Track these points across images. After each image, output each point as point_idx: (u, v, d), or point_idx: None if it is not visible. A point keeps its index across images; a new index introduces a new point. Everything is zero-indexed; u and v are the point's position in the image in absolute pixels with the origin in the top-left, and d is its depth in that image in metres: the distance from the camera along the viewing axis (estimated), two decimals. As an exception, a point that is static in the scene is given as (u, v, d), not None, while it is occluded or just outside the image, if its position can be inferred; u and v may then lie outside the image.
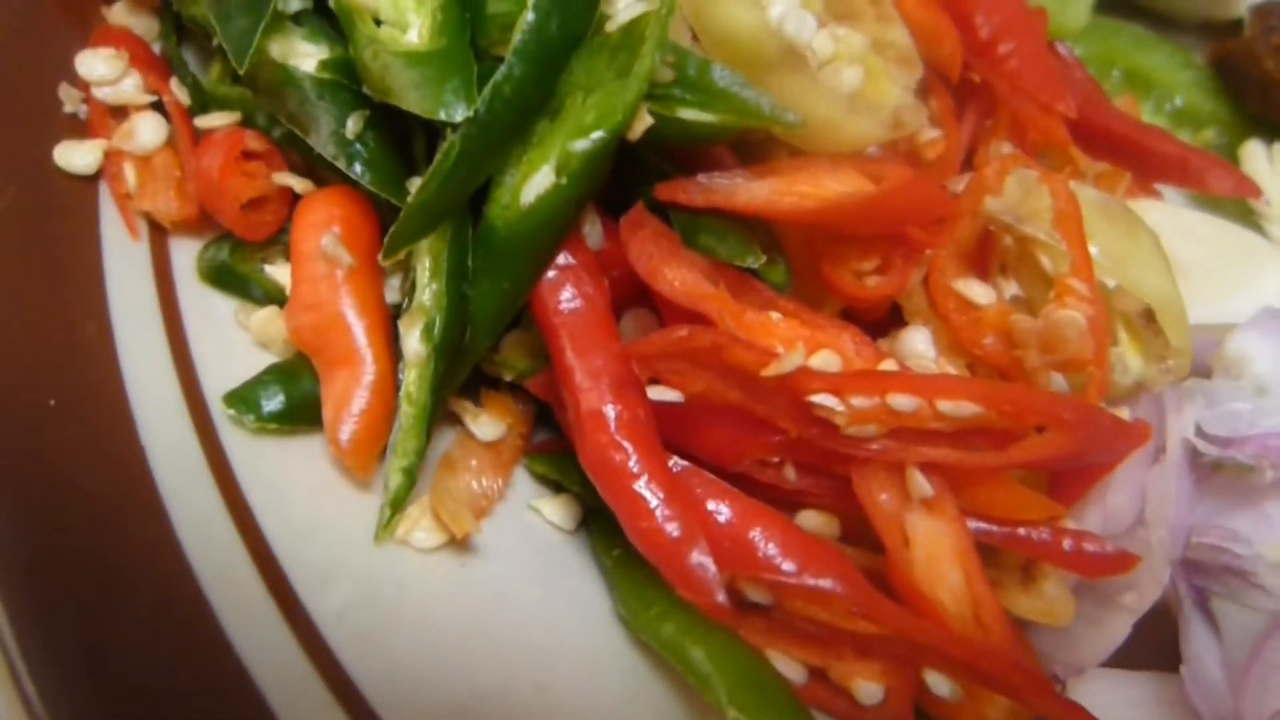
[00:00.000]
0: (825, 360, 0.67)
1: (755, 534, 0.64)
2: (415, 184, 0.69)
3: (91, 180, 0.73)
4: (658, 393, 0.68)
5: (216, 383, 0.68)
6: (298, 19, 0.74)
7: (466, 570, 0.67)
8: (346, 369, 0.66)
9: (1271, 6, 1.03)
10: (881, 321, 0.76)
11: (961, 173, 0.82)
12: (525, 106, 0.65)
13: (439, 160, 0.63)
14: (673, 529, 0.62)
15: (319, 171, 0.74)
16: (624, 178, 0.70)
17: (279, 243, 0.74)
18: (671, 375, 0.66)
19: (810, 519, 0.70)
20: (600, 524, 0.71)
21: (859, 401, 0.64)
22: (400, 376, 0.67)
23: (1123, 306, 0.74)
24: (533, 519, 0.73)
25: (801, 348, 0.64)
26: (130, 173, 0.72)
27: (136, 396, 0.64)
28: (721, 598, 0.61)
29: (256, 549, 0.63)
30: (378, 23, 0.69)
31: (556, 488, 0.74)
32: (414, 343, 0.65)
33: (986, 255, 0.76)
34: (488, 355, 0.71)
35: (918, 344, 0.73)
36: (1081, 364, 0.69)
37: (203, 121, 0.74)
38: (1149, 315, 0.73)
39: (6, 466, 0.59)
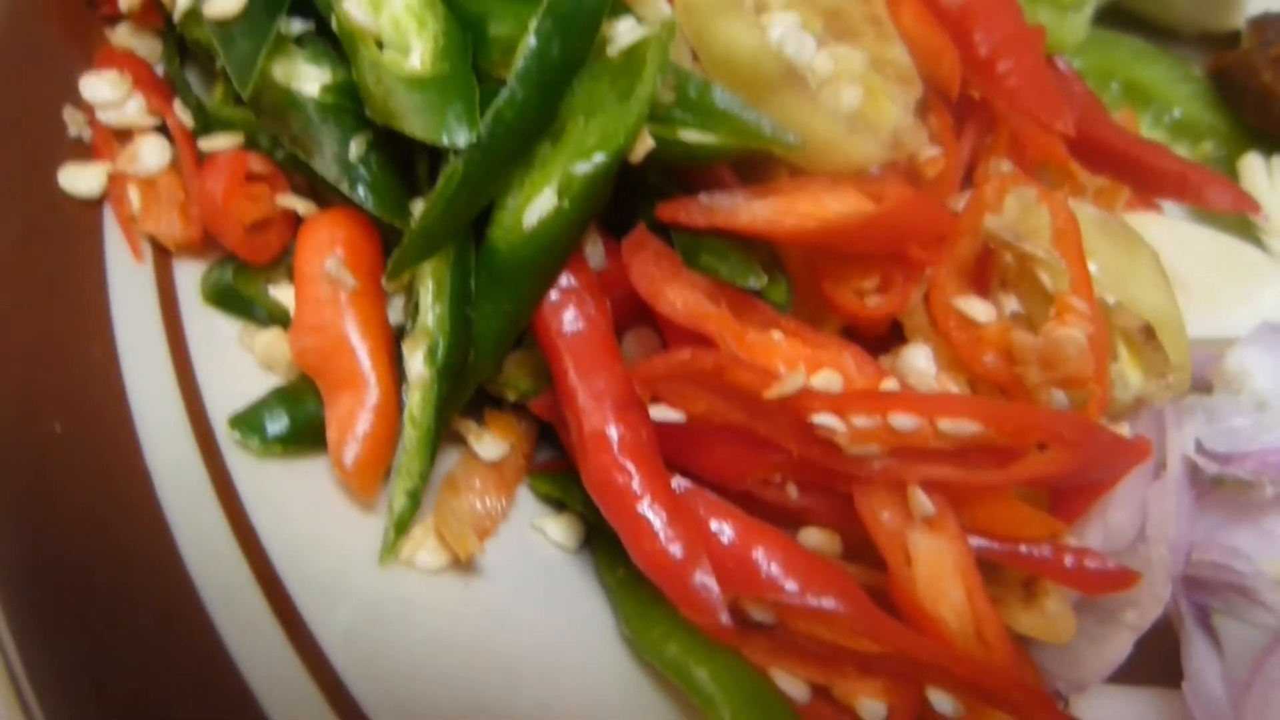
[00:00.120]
0: (827, 379, 0.67)
1: (758, 554, 0.65)
2: (418, 206, 0.70)
3: (96, 203, 0.73)
4: (660, 412, 0.68)
5: (221, 404, 0.68)
6: (300, 41, 0.74)
7: (470, 590, 0.67)
8: (351, 391, 0.67)
9: (1269, 19, 1.03)
10: (883, 338, 0.77)
11: (962, 189, 0.82)
12: (527, 130, 0.65)
13: (442, 185, 0.64)
14: (676, 550, 0.63)
15: (322, 192, 0.74)
16: (625, 197, 0.71)
17: (283, 264, 0.74)
18: (674, 396, 0.66)
19: (812, 536, 0.70)
20: (604, 543, 0.71)
21: (860, 421, 0.64)
22: (404, 398, 0.68)
23: (1122, 323, 0.74)
24: (536, 538, 0.73)
25: (803, 369, 0.64)
26: (134, 195, 0.73)
27: (142, 420, 0.65)
28: (725, 618, 0.62)
29: (261, 570, 0.63)
30: (380, 46, 0.69)
31: (559, 507, 0.74)
32: (418, 365, 0.66)
33: (986, 271, 0.77)
34: (491, 375, 0.71)
35: (919, 361, 0.74)
36: (1082, 381, 0.70)
37: (206, 144, 0.74)
38: (1149, 331, 0.74)
39: (14, 493, 0.59)
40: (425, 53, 0.67)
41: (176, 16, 0.77)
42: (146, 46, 0.81)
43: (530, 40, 0.65)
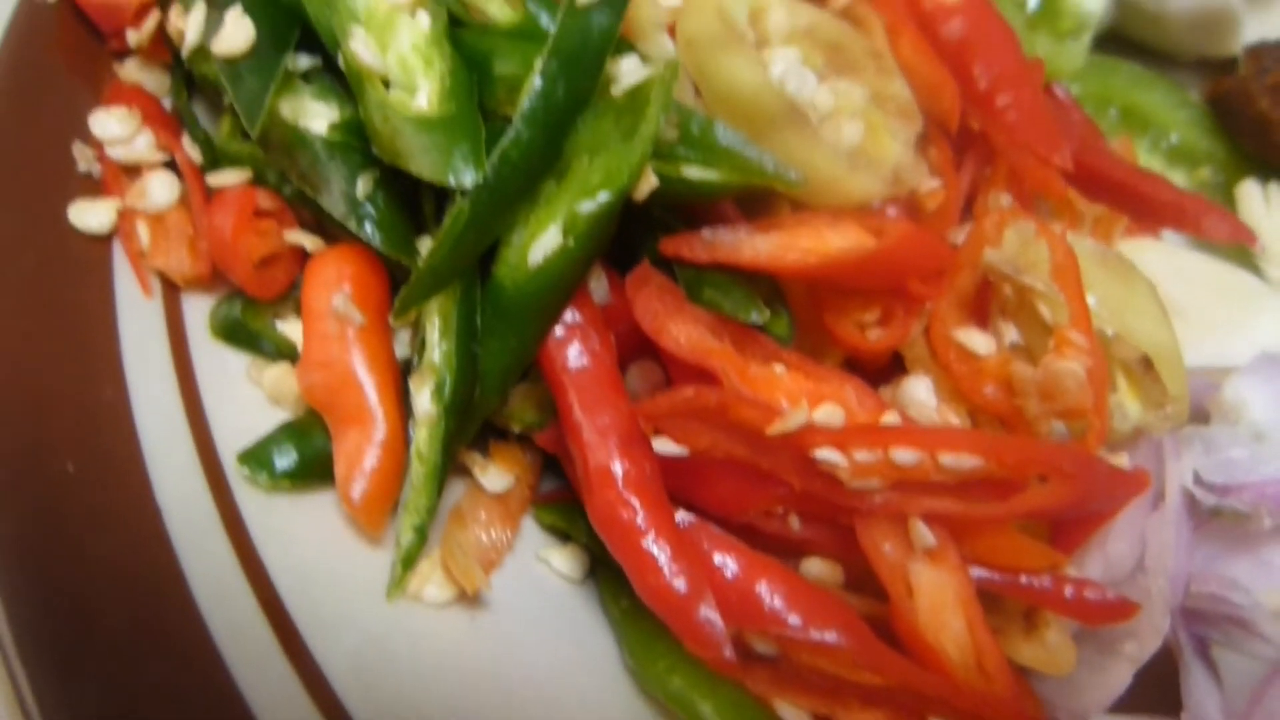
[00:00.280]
0: (829, 413, 0.68)
1: (761, 588, 0.65)
2: (424, 243, 0.71)
3: (106, 239, 0.74)
4: (662, 445, 0.69)
5: (229, 439, 0.69)
6: (306, 76, 0.75)
7: (476, 623, 0.68)
8: (358, 427, 0.67)
9: (1266, 48, 1.04)
10: (883, 368, 0.77)
11: (961, 219, 0.83)
12: (533, 170, 0.66)
13: (449, 225, 0.64)
14: (680, 584, 0.63)
15: (328, 227, 0.75)
16: (629, 231, 0.71)
17: (290, 298, 0.75)
18: (678, 432, 0.67)
19: (815, 566, 0.71)
20: (608, 575, 0.72)
21: (862, 456, 0.65)
22: (410, 433, 0.68)
23: (1121, 354, 0.75)
24: (541, 569, 0.73)
25: (805, 405, 0.65)
26: (143, 231, 0.73)
27: (152, 457, 0.65)
28: (729, 653, 0.63)
29: (269, 604, 0.64)
30: (386, 85, 0.70)
31: (564, 537, 0.75)
32: (425, 402, 0.66)
33: (986, 301, 0.78)
34: (496, 408, 0.72)
35: (919, 393, 0.74)
36: (1081, 413, 0.71)
37: (214, 179, 0.75)
38: (1147, 363, 0.74)
39: (29, 532, 0.60)
40: (432, 93, 0.68)
41: (185, 52, 0.78)
42: (154, 81, 0.82)
43: (535, 81, 0.66)
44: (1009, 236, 0.73)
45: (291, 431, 0.69)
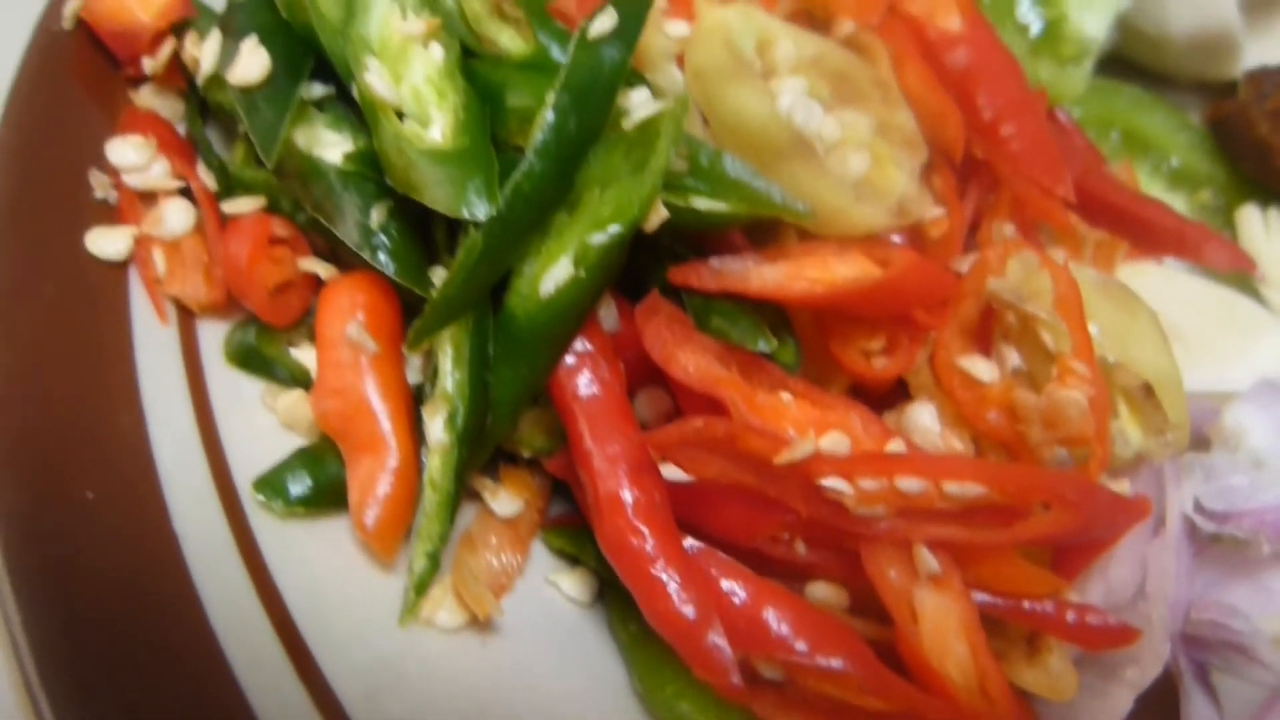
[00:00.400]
0: (834, 441, 0.69)
1: (769, 614, 0.66)
2: (437, 271, 0.72)
3: (122, 266, 0.75)
4: (670, 471, 0.70)
5: (244, 466, 0.69)
6: (320, 105, 0.76)
7: (488, 648, 0.69)
8: (371, 454, 0.68)
9: (1265, 73, 1.05)
10: (888, 393, 0.78)
11: (965, 245, 0.84)
12: (545, 202, 0.67)
13: (462, 257, 0.66)
14: (689, 611, 0.64)
15: (342, 254, 0.76)
16: (638, 259, 0.72)
17: (304, 325, 0.76)
18: (686, 461, 0.68)
19: (820, 590, 0.72)
20: (616, 599, 0.73)
21: (868, 484, 0.66)
22: (423, 460, 0.69)
23: (1122, 381, 0.76)
24: (550, 592, 0.74)
25: (812, 435, 0.66)
26: (159, 258, 0.74)
27: (169, 483, 0.66)
28: (737, 679, 0.63)
29: (284, 630, 0.64)
30: (400, 116, 0.71)
31: (573, 561, 0.76)
32: (438, 431, 0.67)
33: (989, 327, 0.79)
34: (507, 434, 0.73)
35: (923, 419, 0.75)
36: (1083, 441, 0.71)
37: (229, 207, 0.76)
38: (1148, 390, 0.75)
39: (50, 559, 0.61)
40: (446, 125, 0.69)
41: (200, 80, 0.79)
42: (169, 107, 0.83)
43: (548, 114, 0.67)
44: (1012, 266, 0.74)
45: (305, 458, 0.70)
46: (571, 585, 0.75)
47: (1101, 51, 1.08)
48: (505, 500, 0.74)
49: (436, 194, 0.66)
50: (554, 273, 0.67)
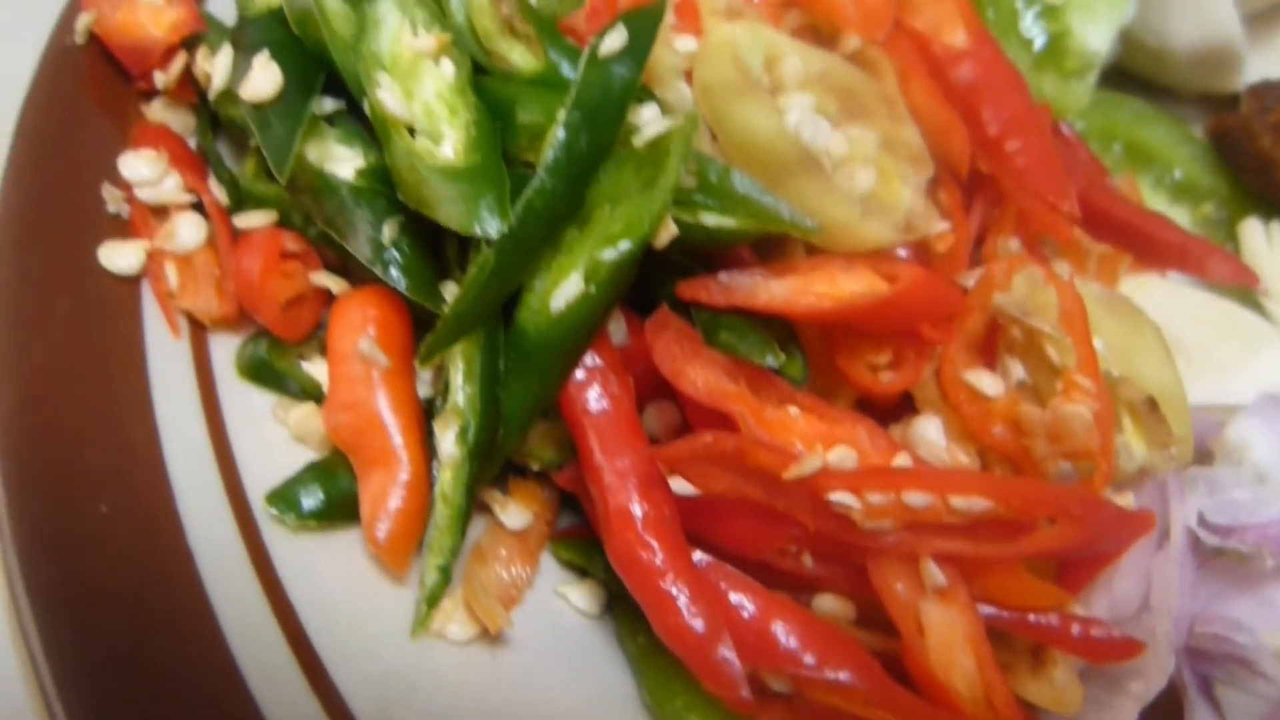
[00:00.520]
0: (842, 456, 0.69)
1: (777, 628, 0.67)
2: (448, 286, 0.72)
3: (134, 280, 0.75)
4: (678, 484, 0.70)
5: (257, 478, 0.70)
6: (331, 119, 0.77)
7: (497, 660, 0.69)
8: (383, 468, 0.69)
9: (1267, 86, 1.06)
10: (894, 406, 0.79)
11: (970, 259, 0.85)
12: (556, 219, 0.68)
13: (474, 273, 0.66)
14: (699, 625, 0.65)
15: (352, 267, 0.77)
16: (648, 273, 0.73)
17: (315, 338, 0.76)
18: (695, 475, 0.68)
19: (827, 602, 0.72)
20: (624, 611, 0.73)
21: (875, 499, 0.67)
22: (434, 473, 0.70)
23: (1127, 395, 0.77)
24: (559, 604, 0.75)
25: (820, 450, 0.66)
26: (172, 272, 0.75)
27: (182, 497, 0.67)
28: (746, 692, 0.64)
29: (297, 643, 0.65)
30: (412, 132, 0.71)
31: (581, 573, 0.77)
32: (449, 445, 0.68)
33: (994, 340, 0.79)
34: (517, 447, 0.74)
35: (929, 433, 0.76)
36: (1088, 455, 0.72)
37: (241, 221, 0.76)
38: (1152, 404, 0.76)
39: (66, 574, 0.61)
40: (458, 142, 0.70)
41: (211, 95, 0.80)
42: (180, 120, 0.83)
43: (559, 132, 0.67)
44: (1018, 282, 0.75)
45: (317, 472, 0.71)
46: (580, 597, 0.75)
47: (1105, 64, 1.09)
48: (515, 513, 0.74)
49: (449, 211, 0.67)
50: (565, 288, 0.68)
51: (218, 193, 0.79)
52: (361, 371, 0.70)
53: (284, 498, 0.69)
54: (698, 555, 0.69)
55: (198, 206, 0.79)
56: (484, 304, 0.68)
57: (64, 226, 0.75)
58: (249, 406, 0.74)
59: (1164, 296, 0.92)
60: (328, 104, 0.77)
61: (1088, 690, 0.70)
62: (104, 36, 0.82)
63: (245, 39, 0.78)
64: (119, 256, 0.75)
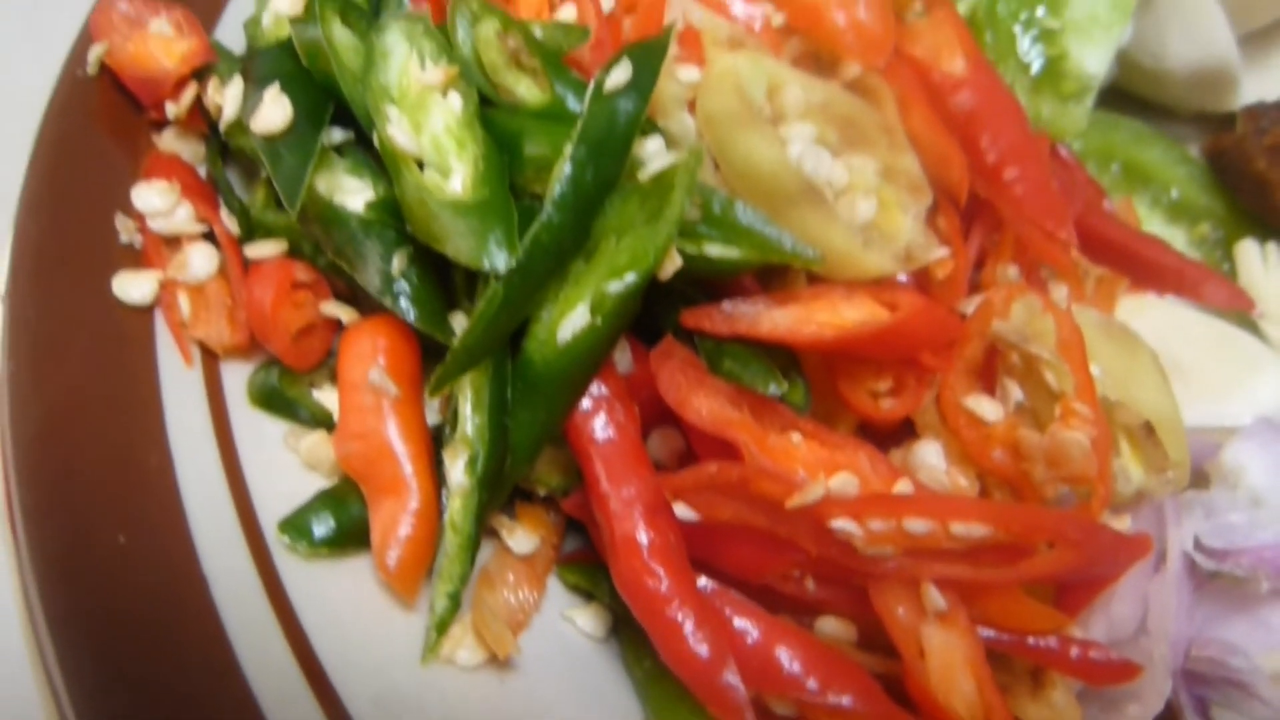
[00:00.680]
0: (844, 482, 0.70)
1: (781, 652, 0.68)
2: (457, 317, 0.73)
3: (148, 310, 0.76)
4: (682, 510, 0.71)
5: (269, 506, 0.71)
6: (340, 150, 0.78)
7: (506, 685, 0.71)
8: (393, 496, 0.70)
9: (1262, 108, 1.07)
10: (895, 431, 0.80)
11: (970, 280, 0.86)
12: (563, 252, 0.69)
13: (482, 306, 0.67)
14: (704, 650, 0.66)
15: (361, 296, 0.78)
16: (652, 302, 0.74)
17: (325, 366, 0.78)
18: (700, 503, 0.69)
19: (829, 625, 0.74)
20: (630, 635, 0.75)
21: (876, 525, 0.68)
22: (443, 501, 0.71)
23: (1124, 420, 0.78)
24: (566, 627, 0.76)
25: (823, 479, 0.67)
26: (184, 302, 0.76)
27: (197, 525, 0.68)
28: (750, 717, 0.65)
29: (310, 670, 0.66)
30: (420, 165, 0.73)
31: (587, 596, 0.78)
32: (458, 474, 0.69)
33: (993, 364, 0.80)
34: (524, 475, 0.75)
35: (930, 457, 0.77)
36: (1086, 479, 0.73)
37: (252, 251, 0.78)
38: (1149, 429, 0.77)
39: (86, 604, 0.62)
40: (466, 176, 0.71)
41: (222, 126, 0.81)
42: (191, 149, 0.85)
43: (566, 167, 0.68)
44: (1016, 309, 0.76)
45: (329, 500, 0.72)
46: (586, 621, 0.76)
47: (1102, 85, 1.10)
48: (522, 538, 0.76)
49: (459, 245, 0.68)
50: (571, 320, 0.69)
51: (229, 223, 0.80)
52: (372, 401, 0.72)
53: (296, 526, 0.70)
54: (702, 580, 0.70)
55: (209, 236, 0.80)
56: (492, 336, 0.69)
57: (79, 258, 0.76)
58: (261, 434, 0.75)
59: (1161, 318, 0.93)
60: (336, 134, 0.78)
61: (1086, 712, 0.72)
62: (116, 68, 0.83)
63: (255, 70, 0.79)
64: (132, 287, 0.76)
